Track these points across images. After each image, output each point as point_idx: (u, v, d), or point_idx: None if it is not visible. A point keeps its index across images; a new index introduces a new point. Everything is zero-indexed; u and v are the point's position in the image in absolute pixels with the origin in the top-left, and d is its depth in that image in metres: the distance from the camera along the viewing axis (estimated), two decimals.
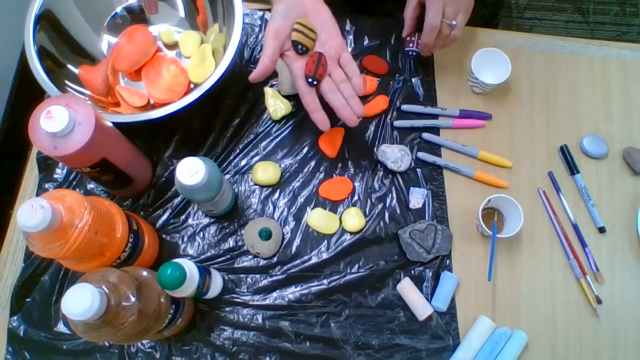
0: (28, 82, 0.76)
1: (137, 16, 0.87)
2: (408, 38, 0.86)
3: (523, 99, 0.88)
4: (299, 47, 0.71)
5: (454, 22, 0.77)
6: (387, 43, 0.89)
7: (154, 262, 0.76)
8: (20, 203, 0.81)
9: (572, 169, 0.83)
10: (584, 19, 1.92)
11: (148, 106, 0.82)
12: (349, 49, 0.88)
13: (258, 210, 0.81)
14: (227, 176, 0.82)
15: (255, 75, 0.70)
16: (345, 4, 0.95)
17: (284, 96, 0.85)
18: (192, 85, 0.83)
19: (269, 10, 0.90)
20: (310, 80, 0.71)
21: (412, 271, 0.78)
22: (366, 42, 0.89)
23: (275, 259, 0.78)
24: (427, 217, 0.80)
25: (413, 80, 0.87)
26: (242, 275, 0.78)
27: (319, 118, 0.72)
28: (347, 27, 0.90)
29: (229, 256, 0.78)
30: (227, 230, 0.80)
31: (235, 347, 0.74)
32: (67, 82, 0.78)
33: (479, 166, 0.83)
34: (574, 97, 0.88)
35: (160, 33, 0.87)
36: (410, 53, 0.86)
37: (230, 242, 0.79)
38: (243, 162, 0.83)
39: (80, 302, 0.51)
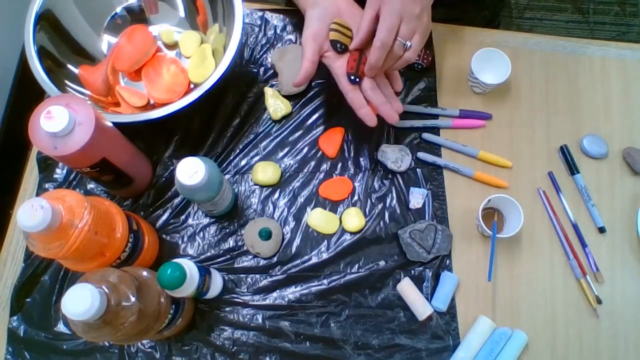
0: (28, 82, 0.76)
1: (137, 16, 0.87)
2: None
3: (523, 99, 0.88)
4: (338, 45, 0.71)
5: (409, 44, 0.67)
6: None
7: (154, 262, 0.76)
8: (20, 203, 0.81)
9: (572, 169, 0.83)
10: (584, 19, 1.92)
11: (148, 106, 0.82)
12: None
13: (258, 210, 0.81)
14: (227, 176, 0.82)
15: (299, 80, 0.71)
16: None
17: (284, 96, 0.85)
18: (192, 85, 0.83)
19: (269, 10, 0.91)
20: (352, 77, 0.70)
21: (412, 271, 0.78)
22: None
23: (275, 259, 0.78)
24: (427, 217, 0.80)
25: (413, 80, 0.87)
26: (242, 275, 0.78)
27: (366, 114, 0.71)
28: None
29: (229, 256, 0.78)
30: (227, 230, 0.80)
31: (235, 347, 0.74)
32: (67, 82, 0.78)
33: (479, 166, 0.83)
34: (574, 97, 0.88)
35: (160, 33, 0.87)
36: (415, 66, 0.86)
37: (230, 242, 0.79)
38: (243, 162, 0.83)
39: (80, 302, 0.51)
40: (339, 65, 0.72)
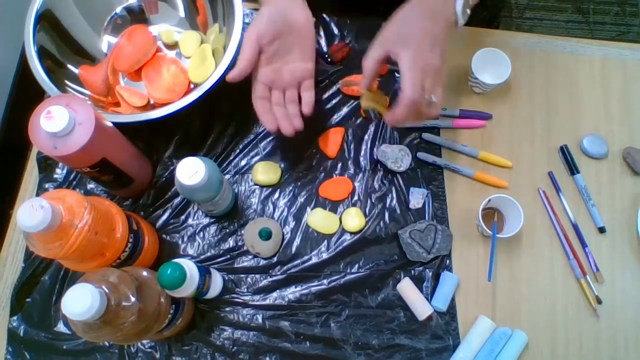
0: (28, 82, 0.76)
1: (137, 16, 0.87)
2: None
3: (523, 99, 0.87)
4: (373, 114, 0.73)
5: (434, 98, 0.63)
6: None
7: (154, 262, 0.76)
8: (20, 203, 0.81)
9: (572, 169, 0.83)
10: (584, 19, 1.92)
11: (148, 106, 0.82)
12: (350, 49, 0.88)
13: (258, 210, 0.81)
14: (227, 176, 0.82)
15: (232, 75, 0.69)
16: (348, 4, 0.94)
17: None
18: (192, 85, 0.83)
19: None
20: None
21: (412, 271, 0.78)
22: (367, 42, 0.89)
23: (275, 259, 0.78)
24: (427, 217, 0.80)
25: None
26: (242, 275, 0.78)
27: (266, 120, 0.71)
28: (348, 27, 0.90)
29: (229, 256, 0.78)
30: (227, 230, 0.80)
31: (235, 347, 0.74)
32: (67, 82, 0.78)
33: (479, 166, 0.83)
34: (574, 97, 0.88)
35: (160, 33, 0.87)
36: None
37: (230, 242, 0.79)
38: (243, 162, 0.83)
39: (80, 302, 0.51)
40: (262, 72, 0.71)
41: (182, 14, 0.88)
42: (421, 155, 0.83)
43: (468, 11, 0.68)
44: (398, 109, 0.63)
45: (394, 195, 0.81)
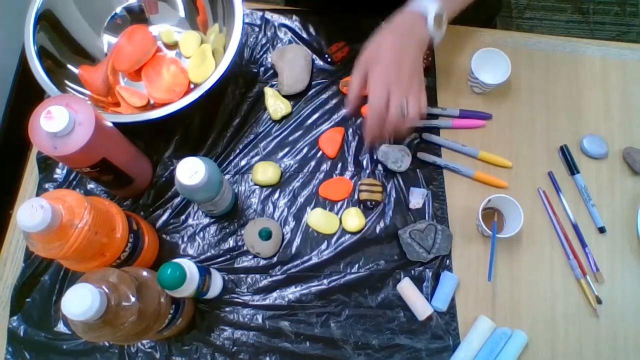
0: (28, 82, 0.76)
1: (137, 16, 0.87)
2: None
3: (523, 99, 0.87)
4: (369, 203, 0.79)
5: (405, 111, 0.67)
6: None
7: (154, 262, 0.76)
8: (20, 203, 0.81)
9: (572, 169, 0.83)
10: (584, 19, 1.92)
11: (148, 106, 0.82)
12: (350, 49, 0.88)
13: (258, 210, 0.81)
14: (227, 176, 0.82)
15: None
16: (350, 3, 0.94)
17: (284, 96, 0.85)
18: (192, 85, 0.83)
19: (269, 10, 0.91)
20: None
21: (412, 271, 0.78)
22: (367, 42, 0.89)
23: (275, 259, 0.78)
24: (427, 217, 0.80)
25: None
26: (242, 275, 0.78)
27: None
28: (348, 27, 0.90)
29: (229, 256, 0.78)
30: (227, 230, 0.80)
31: (235, 347, 0.74)
32: (67, 82, 0.78)
33: (479, 166, 0.83)
34: (574, 97, 0.88)
35: (160, 33, 0.87)
36: None
37: (230, 242, 0.79)
38: (243, 162, 0.83)
39: (80, 302, 0.51)
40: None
41: (182, 14, 0.88)
42: (421, 155, 0.83)
43: (444, 27, 0.71)
44: (367, 118, 0.68)
45: (394, 195, 0.81)
